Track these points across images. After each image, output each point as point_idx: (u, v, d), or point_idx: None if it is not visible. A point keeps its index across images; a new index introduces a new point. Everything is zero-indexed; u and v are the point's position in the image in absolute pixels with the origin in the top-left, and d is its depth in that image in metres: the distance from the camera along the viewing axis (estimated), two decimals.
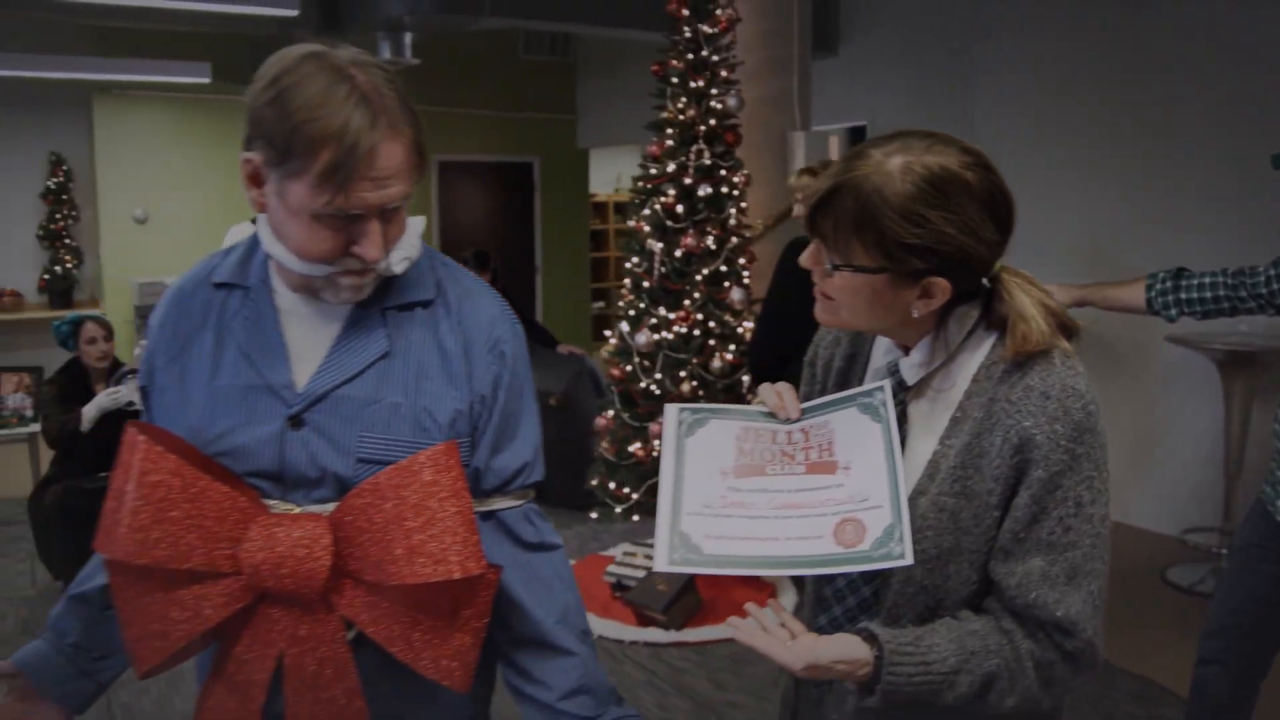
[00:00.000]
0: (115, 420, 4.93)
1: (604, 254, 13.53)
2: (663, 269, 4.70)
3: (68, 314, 5.36)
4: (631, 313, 4.82)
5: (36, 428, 6.17)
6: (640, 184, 4.85)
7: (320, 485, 1.40)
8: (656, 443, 4.64)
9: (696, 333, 4.66)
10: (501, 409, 1.47)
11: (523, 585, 1.47)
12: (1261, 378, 5.10)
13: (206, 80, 7.95)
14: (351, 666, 1.40)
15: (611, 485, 4.74)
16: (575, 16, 6.83)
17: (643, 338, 4.65)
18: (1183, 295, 2.94)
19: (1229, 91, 5.42)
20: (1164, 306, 2.97)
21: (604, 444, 4.78)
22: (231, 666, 1.43)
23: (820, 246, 1.39)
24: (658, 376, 4.66)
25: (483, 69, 10.33)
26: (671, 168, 4.71)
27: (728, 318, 4.70)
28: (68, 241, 9.33)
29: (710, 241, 4.65)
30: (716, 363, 4.60)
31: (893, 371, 1.47)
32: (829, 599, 1.54)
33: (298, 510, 1.39)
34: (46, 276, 9.27)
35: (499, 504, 1.48)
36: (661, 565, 1.37)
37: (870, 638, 1.33)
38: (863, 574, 1.47)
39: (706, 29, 4.70)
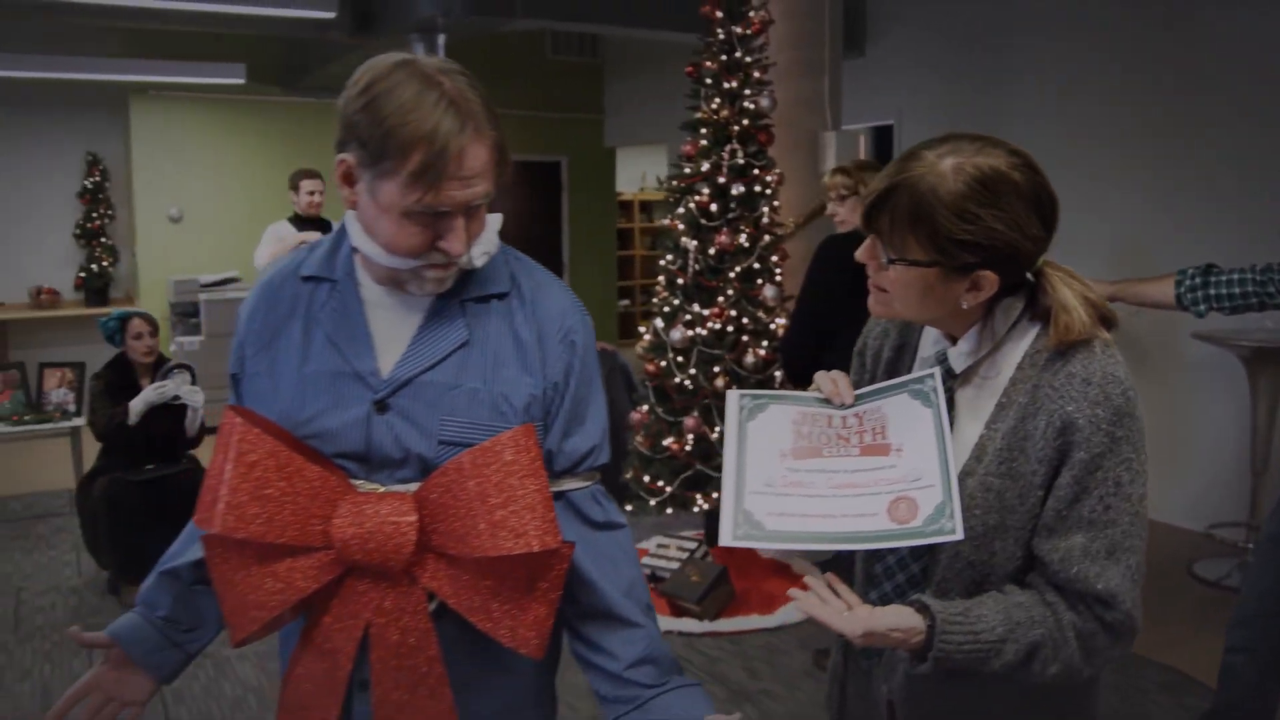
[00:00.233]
0: (161, 414, 5.06)
1: (629, 252, 13.63)
2: (697, 266, 4.79)
3: (113, 310, 5.48)
4: (666, 309, 4.91)
5: (80, 422, 6.30)
6: (675, 183, 4.93)
7: (404, 466, 1.49)
8: (690, 437, 4.73)
9: (730, 329, 4.74)
10: (572, 395, 1.57)
11: (591, 561, 1.56)
12: None
13: (241, 81, 8.08)
14: (433, 636, 1.48)
15: (646, 479, 4.83)
16: (605, 18, 6.91)
17: (677, 334, 4.73)
18: (1211, 291, 3.01)
19: (1259, 94, 5.45)
20: (1193, 302, 3.03)
21: (638, 438, 4.87)
22: (320, 636, 1.53)
23: (876, 242, 1.48)
24: (692, 372, 4.75)
25: (512, 69, 10.43)
26: (706, 167, 4.79)
27: (760, 314, 4.78)
28: (104, 240, 9.49)
29: (743, 239, 4.73)
30: (750, 358, 4.68)
31: (941, 360, 1.55)
32: (879, 576, 1.63)
33: (383, 490, 1.49)
34: (83, 275, 9.43)
35: (568, 485, 1.57)
36: (726, 540, 1.46)
37: (922, 608, 1.42)
38: (912, 552, 1.56)
39: (740, 31, 4.79)
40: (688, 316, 4.78)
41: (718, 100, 4.80)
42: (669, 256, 4.93)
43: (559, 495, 1.55)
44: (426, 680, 1.50)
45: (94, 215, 9.42)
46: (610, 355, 5.88)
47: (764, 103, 4.81)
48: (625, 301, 13.15)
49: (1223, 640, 3.28)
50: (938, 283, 1.45)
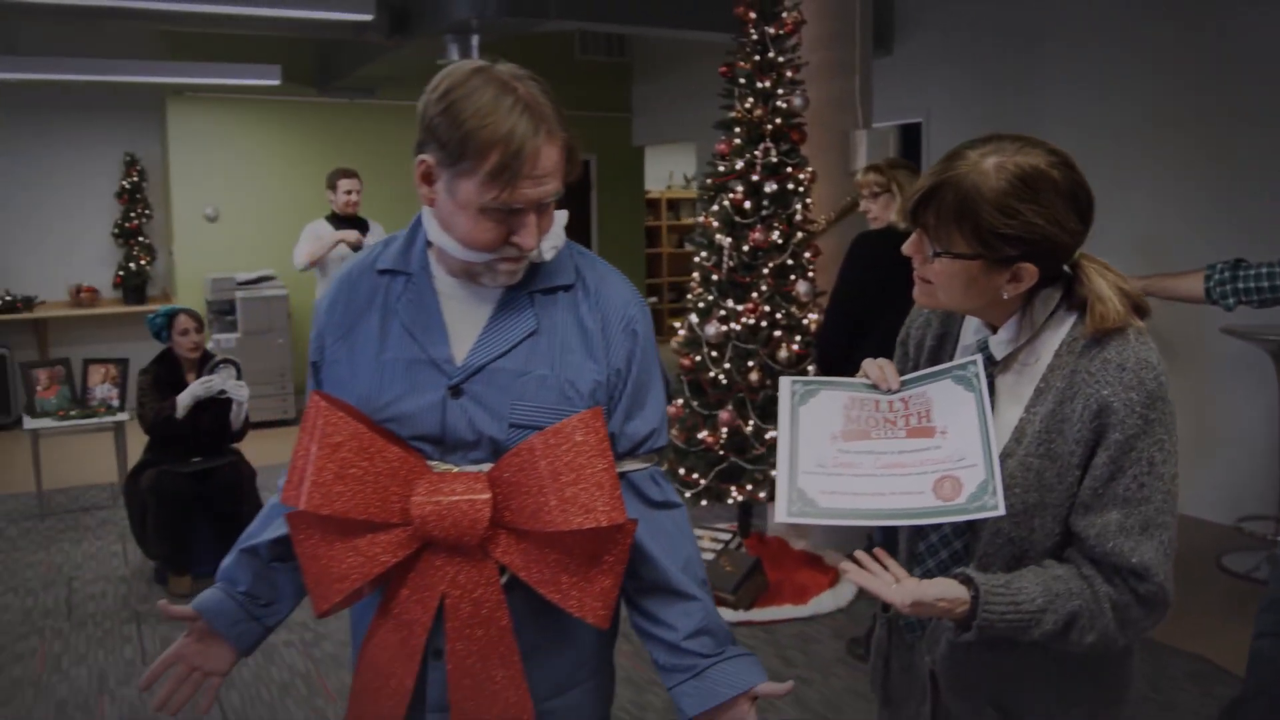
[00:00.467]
0: (206, 408, 5.18)
1: (657, 250, 13.71)
2: (731, 263, 4.87)
3: (159, 307, 5.60)
4: (701, 305, 5.00)
5: (124, 417, 6.46)
6: (709, 181, 5.02)
7: (476, 447, 1.59)
8: (724, 430, 4.81)
9: (764, 324, 4.82)
10: (634, 381, 1.66)
11: (651, 538, 1.65)
12: None
13: (276, 82, 8.18)
14: (504, 608, 1.58)
15: (681, 471, 4.91)
16: (637, 18, 6.98)
17: (712, 329, 4.82)
18: (1240, 285, 3.06)
19: None
20: (1222, 296, 3.09)
21: (673, 431, 4.96)
22: (397, 608, 1.63)
23: (922, 236, 1.57)
24: (726, 366, 4.83)
25: (541, 69, 10.27)
26: (739, 165, 4.87)
27: (794, 310, 4.86)
28: (142, 239, 9.62)
29: (777, 236, 4.81)
30: (783, 353, 4.76)
31: (982, 348, 1.64)
32: (923, 553, 1.72)
33: (457, 470, 1.59)
34: (121, 273, 9.57)
35: (629, 466, 1.67)
36: (781, 517, 1.56)
37: (966, 580, 1.51)
38: (954, 529, 1.65)
39: (773, 31, 4.87)
40: (722, 312, 4.87)
41: (751, 99, 4.88)
42: (704, 253, 5.02)
43: (620, 476, 1.64)
44: (498, 648, 1.60)
45: (132, 215, 9.55)
46: None
47: (796, 102, 4.88)
48: (653, 299, 13.23)
49: (1251, 631, 3.33)
50: (980, 274, 1.54)
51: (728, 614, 4.63)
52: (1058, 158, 1.52)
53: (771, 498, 4.82)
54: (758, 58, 4.88)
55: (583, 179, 11.71)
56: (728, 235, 4.88)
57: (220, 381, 5.14)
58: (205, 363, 5.31)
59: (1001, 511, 1.47)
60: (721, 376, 4.85)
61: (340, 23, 6.97)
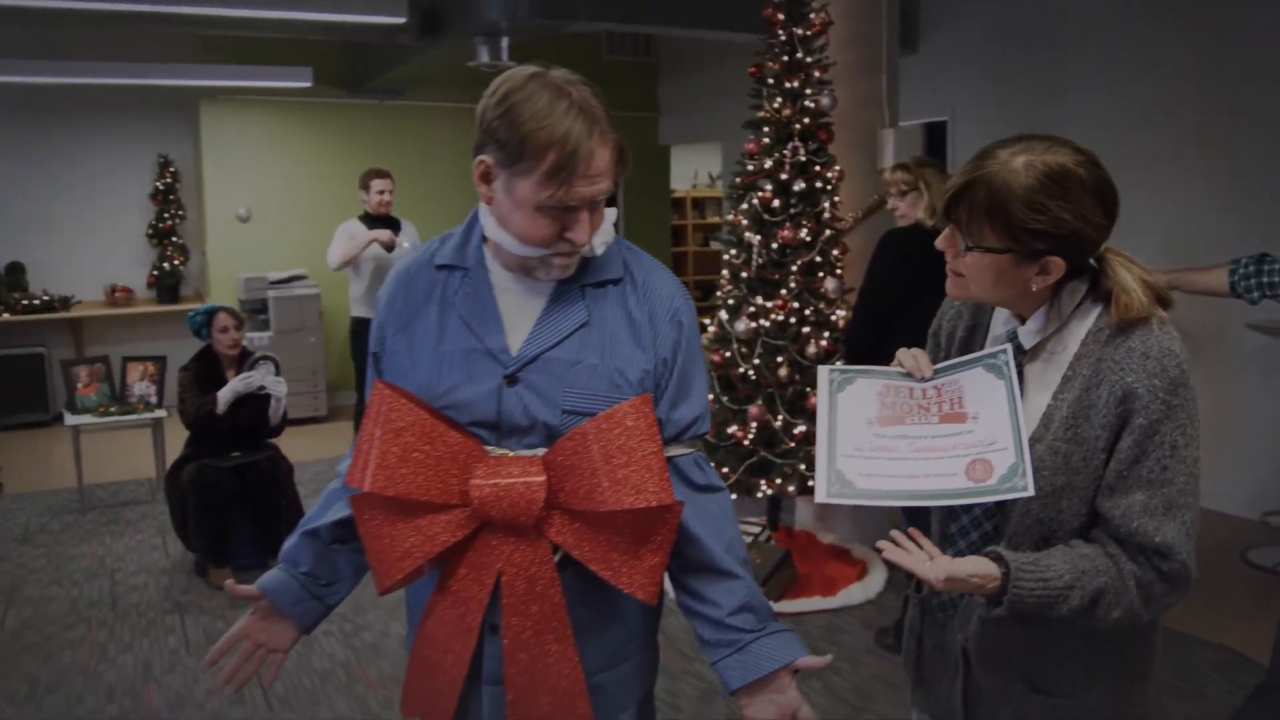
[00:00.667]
0: (246, 403, 5.30)
1: (683, 248, 13.78)
2: (760, 260, 4.95)
3: (199, 305, 5.73)
4: (730, 301, 5.08)
5: (162, 413, 6.58)
6: (738, 179, 5.10)
7: (530, 433, 1.68)
8: (754, 425, 4.89)
9: (792, 320, 4.90)
10: (679, 369, 1.75)
11: (695, 520, 1.74)
12: None
13: (308, 84, 8.30)
14: (557, 585, 1.67)
15: (710, 465, 4.99)
16: (665, 19, 7.05)
17: (741, 325, 4.90)
18: (1265, 279, 3.12)
19: None
20: (1246, 290, 3.14)
21: None
22: (455, 585, 1.72)
23: (955, 231, 1.66)
24: (756, 362, 4.91)
25: (569, 69, 10.57)
26: (768, 164, 4.95)
27: (822, 306, 4.93)
28: (175, 240, 9.77)
29: (805, 234, 4.88)
30: (812, 349, 4.84)
31: (1012, 337, 1.72)
32: (954, 534, 1.80)
33: (512, 454, 1.68)
34: (155, 273, 9.71)
35: (675, 451, 1.76)
36: (821, 498, 1.64)
37: (997, 558, 1.59)
38: (985, 511, 1.73)
39: (801, 32, 4.94)
40: (751, 309, 4.95)
41: (779, 99, 4.95)
42: (733, 250, 5.10)
43: (666, 460, 1.73)
44: (551, 624, 1.68)
45: (165, 215, 9.69)
46: None
47: (824, 101, 4.95)
48: None
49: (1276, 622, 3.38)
50: (1010, 268, 1.62)
51: None
52: (1084, 156, 1.60)
53: (800, 492, 4.90)
54: (786, 58, 4.96)
55: None
56: (757, 233, 4.97)
57: (260, 377, 5.26)
58: (244, 359, 5.42)
59: (1031, 492, 1.54)
60: (751, 372, 4.93)
61: (372, 25, 7.07)
